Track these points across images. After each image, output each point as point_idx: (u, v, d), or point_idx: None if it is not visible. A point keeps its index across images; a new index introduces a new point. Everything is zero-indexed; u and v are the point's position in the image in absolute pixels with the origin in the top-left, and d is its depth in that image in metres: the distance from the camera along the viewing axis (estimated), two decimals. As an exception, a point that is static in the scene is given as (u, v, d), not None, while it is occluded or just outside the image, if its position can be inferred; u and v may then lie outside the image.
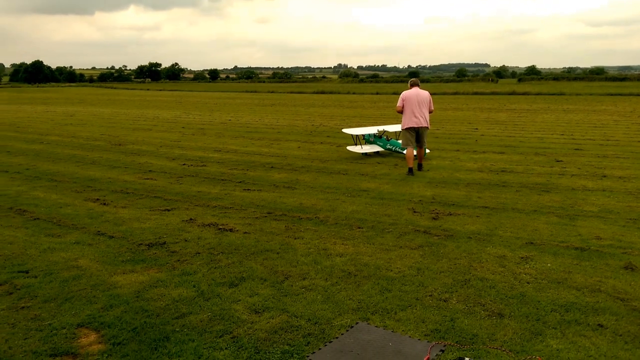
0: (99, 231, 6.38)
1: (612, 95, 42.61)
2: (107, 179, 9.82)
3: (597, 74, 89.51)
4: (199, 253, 5.54)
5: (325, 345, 3.59)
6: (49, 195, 8.51)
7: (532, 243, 5.87)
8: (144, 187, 9.09)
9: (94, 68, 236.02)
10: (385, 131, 13.10)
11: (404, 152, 10.72)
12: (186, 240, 5.98)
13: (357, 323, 3.92)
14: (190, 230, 6.42)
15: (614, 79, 76.56)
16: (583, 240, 5.95)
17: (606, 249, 5.63)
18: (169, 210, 7.43)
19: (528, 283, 4.71)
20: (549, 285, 4.65)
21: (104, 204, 7.86)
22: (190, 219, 6.89)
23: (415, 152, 10.36)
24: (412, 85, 10.16)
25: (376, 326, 3.87)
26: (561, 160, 11.53)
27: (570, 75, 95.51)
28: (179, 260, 5.31)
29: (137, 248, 5.73)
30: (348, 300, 4.35)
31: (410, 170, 10.05)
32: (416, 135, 10.13)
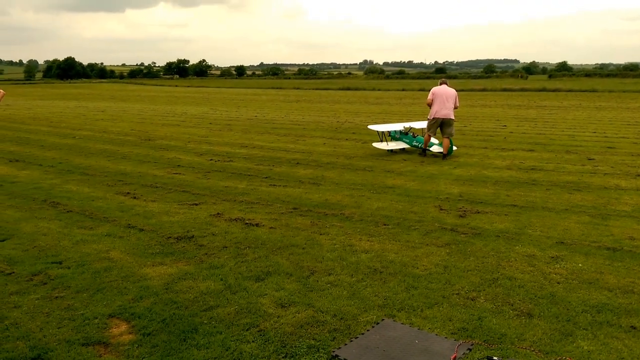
0: (129, 224, 6.52)
1: (647, 92, 41.28)
2: (137, 173, 10.01)
3: (630, 70, 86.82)
4: (226, 247, 5.61)
5: (351, 340, 3.60)
6: (81, 188, 8.73)
7: (562, 243, 5.75)
8: (173, 181, 9.24)
9: (124, 64, 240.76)
10: (411, 128, 13.00)
11: (430, 148, 11.92)
12: (213, 234, 6.06)
13: (383, 320, 3.92)
14: (218, 224, 6.50)
15: (650, 75, 74.09)
16: (616, 241, 5.80)
17: (639, 250, 5.48)
18: (196, 204, 7.54)
19: (558, 283, 4.62)
20: (580, 286, 4.56)
21: (134, 197, 8.03)
22: (218, 214, 6.98)
23: (437, 142, 12.07)
24: (441, 83, 11.92)
25: (402, 323, 3.86)
26: (593, 159, 11.25)
27: (603, 71, 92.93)
28: (206, 254, 5.39)
29: (166, 241, 5.84)
30: (374, 296, 4.35)
31: (424, 150, 11.93)
32: (441, 125, 11.62)
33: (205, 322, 3.89)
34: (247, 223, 6.50)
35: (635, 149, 12.69)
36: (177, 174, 9.97)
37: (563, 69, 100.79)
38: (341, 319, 3.95)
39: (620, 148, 12.83)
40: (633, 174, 9.59)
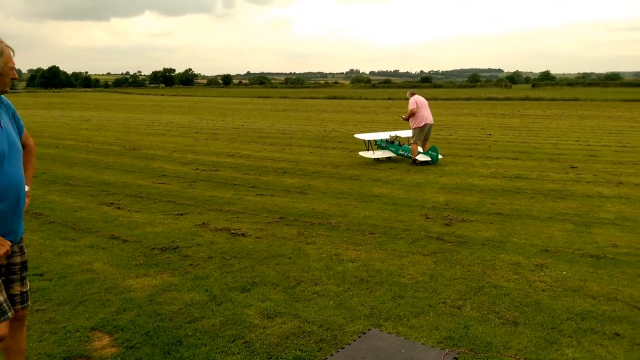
0: (112, 235, 6.44)
1: (627, 101, 42.05)
2: (122, 183, 9.91)
3: (612, 79, 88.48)
4: (212, 257, 5.56)
5: (338, 351, 3.57)
6: (64, 199, 8.61)
7: (547, 250, 5.80)
8: (158, 191, 9.16)
9: (109, 74, 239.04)
10: (397, 137, 13.07)
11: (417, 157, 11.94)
12: (199, 245, 6.01)
13: (369, 329, 3.89)
14: (203, 234, 6.45)
15: (630, 84, 75.52)
16: (599, 248, 5.86)
17: (623, 257, 5.54)
18: (182, 214, 7.47)
19: (543, 291, 4.65)
20: (565, 294, 4.59)
21: (118, 208, 7.93)
22: (203, 224, 6.92)
23: (420, 150, 12.22)
24: (413, 94, 12.36)
25: (389, 333, 3.84)
26: (576, 167, 11.40)
27: (585, 81, 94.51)
28: (191, 265, 5.33)
29: (151, 252, 5.77)
30: (360, 306, 4.33)
31: (415, 160, 11.90)
32: (427, 131, 12.11)
33: (189, 334, 3.84)
34: (233, 233, 6.46)
35: (617, 157, 12.90)
36: (162, 183, 9.88)
37: (546, 79, 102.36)
38: (327, 329, 3.92)
39: (602, 156, 13.03)
40: (615, 181, 9.73)
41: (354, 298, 4.49)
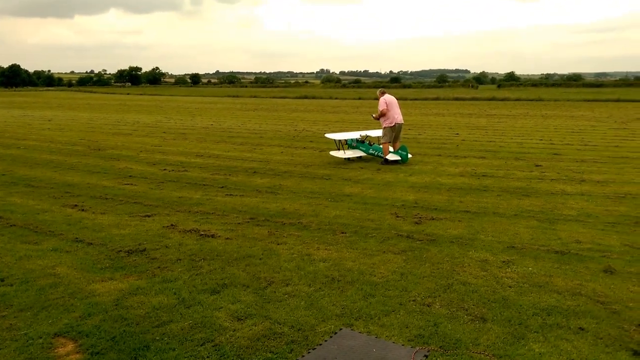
0: (77, 238, 6.25)
1: (588, 101, 43.47)
2: (86, 185, 9.64)
3: (574, 80, 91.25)
4: (180, 259, 5.46)
5: (309, 352, 3.55)
6: (25, 201, 8.32)
7: (513, 247, 5.92)
8: (124, 192, 8.95)
9: (72, 72, 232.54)
10: (367, 136, 13.15)
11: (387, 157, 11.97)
12: (167, 247, 5.89)
13: (340, 329, 3.89)
14: (171, 236, 6.33)
15: (591, 85, 78.13)
16: (563, 244, 6.02)
17: (586, 253, 5.71)
18: (149, 216, 7.31)
19: (510, 287, 4.74)
20: (531, 289, 4.69)
21: (83, 210, 7.71)
22: (171, 225, 6.79)
23: (391, 146, 12.27)
24: (383, 92, 12.44)
25: (360, 332, 3.85)
26: (540, 165, 11.69)
27: (548, 81, 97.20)
28: (159, 267, 5.22)
29: (117, 255, 5.62)
30: (332, 306, 4.33)
31: (387, 160, 11.94)
32: (397, 131, 12.17)
33: (157, 338, 3.75)
34: (202, 234, 6.36)
35: (579, 155, 13.29)
36: (128, 184, 9.66)
37: (511, 79, 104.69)
38: (299, 330, 3.90)
39: (565, 154, 13.40)
40: (578, 179, 10.02)
41: (325, 298, 4.48)
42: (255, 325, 3.95)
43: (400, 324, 3.99)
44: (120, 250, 5.75)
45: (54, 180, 10.08)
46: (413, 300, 4.44)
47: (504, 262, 5.43)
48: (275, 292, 4.61)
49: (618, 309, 4.26)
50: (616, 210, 7.64)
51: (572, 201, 8.23)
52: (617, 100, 42.45)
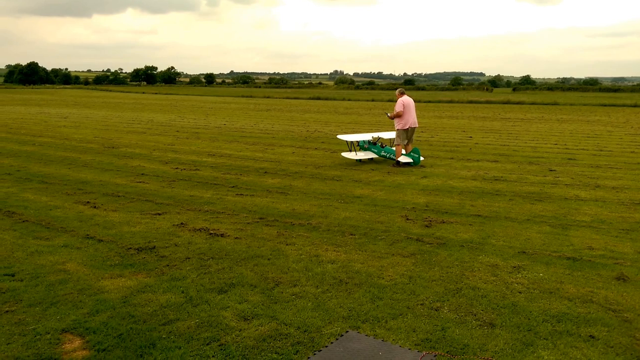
0: (88, 235, 6.30)
1: (605, 105, 42.91)
2: (99, 182, 9.73)
3: (590, 84, 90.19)
4: (189, 258, 5.48)
5: (314, 354, 3.54)
6: (39, 197, 8.42)
7: (524, 252, 5.85)
8: (136, 190, 9.01)
9: (89, 70, 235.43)
10: (380, 138, 13.10)
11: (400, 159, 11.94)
12: (176, 245, 5.91)
13: (347, 331, 3.87)
14: (181, 234, 6.35)
15: (608, 89, 77.11)
16: (575, 250, 5.93)
17: (598, 260, 5.61)
18: (160, 214, 7.36)
19: (520, 293, 4.68)
20: (541, 295, 4.62)
21: (95, 207, 7.78)
22: (181, 224, 6.82)
23: (404, 149, 12.30)
24: (402, 93, 12.30)
25: (366, 335, 3.82)
26: (554, 170, 11.55)
27: (564, 85, 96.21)
28: (168, 265, 5.24)
29: (126, 252, 5.66)
30: (338, 308, 4.30)
31: (398, 162, 11.94)
32: (410, 133, 12.17)
33: (164, 336, 3.76)
34: (211, 233, 6.38)
35: (594, 160, 13.11)
36: (140, 182, 9.73)
37: (526, 83, 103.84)
38: (305, 331, 3.88)
39: (580, 160, 13.23)
40: (592, 185, 9.88)
41: (333, 300, 4.46)
42: (261, 326, 3.94)
43: (407, 328, 3.96)
44: (130, 248, 5.79)
45: (68, 177, 10.19)
46: (421, 304, 4.40)
47: (514, 267, 5.36)
48: (282, 292, 4.60)
49: (630, 318, 4.18)
50: (631, 217, 7.51)
51: (586, 207, 8.12)
52: (635, 106, 41.85)
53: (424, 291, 4.69)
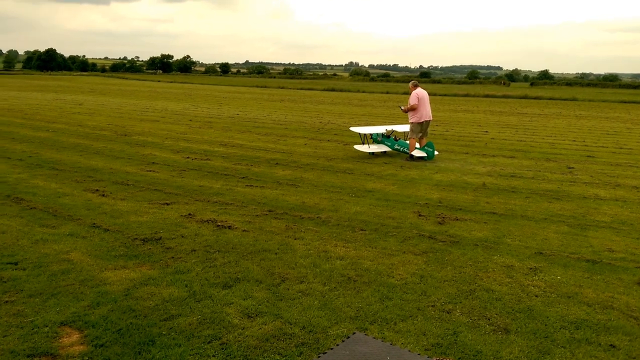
0: (94, 223, 6.22)
1: (625, 102, 41.96)
2: (109, 170, 9.67)
3: (610, 80, 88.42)
4: (195, 250, 5.36)
5: (319, 356, 3.39)
6: (48, 184, 8.37)
7: (541, 253, 5.63)
8: (146, 179, 8.93)
9: (106, 58, 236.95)
10: (394, 131, 12.87)
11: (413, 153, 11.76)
12: (183, 237, 5.80)
13: (354, 333, 3.71)
14: (188, 225, 6.24)
15: (628, 86, 75.41)
16: (595, 253, 5.70)
17: (619, 263, 5.38)
18: (168, 204, 7.25)
19: (536, 296, 4.48)
20: (559, 300, 4.42)
21: (103, 195, 7.71)
22: (189, 214, 6.71)
23: (418, 142, 11.98)
24: (416, 85, 12.08)
25: (374, 337, 3.66)
26: (573, 167, 11.24)
27: (583, 81, 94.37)
28: (173, 258, 5.12)
29: (132, 243, 5.56)
30: (346, 307, 4.15)
31: (412, 156, 11.74)
32: (425, 127, 11.95)
33: (164, 333, 3.64)
34: (219, 225, 6.25)
35: (614, 158, 12.75)
36: (150, 171, 9.65)
37: (545, 77, 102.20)
38: (310, 331, 3.73)
39: (599, 157, 12.87)
40: (612, 183, 9.58)
41: (340, 298, 4.31)
42: (265, 324, 3.80)
43: (417, 331, 3.79)
44: (136, 238, 5.68)
45: (79, 164, 10.15)
46: (432, 306, 4.22)
47: (530, 269, 5.15)
48: (288, 289, 4.46)
49: (654, 327, 3.96)
50: (653, 218, 7.23)
51: (606, 207, 7.84)
52: (656, 103, 40.88)
53: (436, 292, 4.51)
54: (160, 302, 4.12)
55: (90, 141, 13.42)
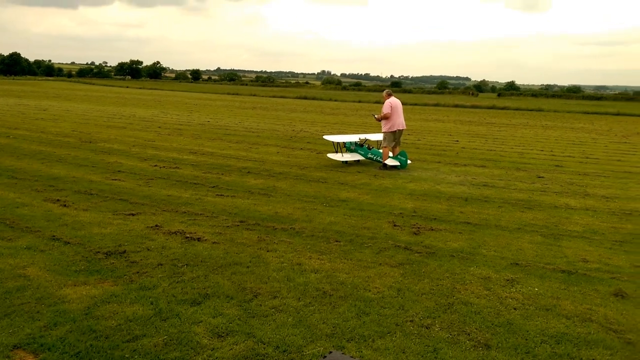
0: (54, 236, 5.87)
1: (588, 113, 43.26)
2: (72, 178, 9.25)
3: (573, 92, 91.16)
4: (162, 264, 5.09)
5: (294, 378, 3.19)
6: (6, 193, 7.93)
7: (517, 264, 5.58)
8: (110, 188, 8.56)
9: (73, 63, 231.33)
10: (367, 140, 12.80)
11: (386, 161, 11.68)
12: (149, 250, 5.52)
13: (330, 352, 3.52)
14: (155, 237, 5.95)
15: (591, 97, 78.00)
16: (569, 263, 5.68)
17: (594, 273, 5.37)
18: (133, 214, 6.94)
19: (515, 309, 4.40)
20: (537, 313, 4.35)
21: (65, 205, 7.33)
22: (156, 226, 6.41)
23: (391, 151, 11.92)
24: (390, 95, 11.98)
25: (352, 357, 3.48)
26: (542, 177, 11.37)
27: (548, 92, 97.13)
28: (138, 272, 4.84)
29: (94, 256, 5.25)
30: (322, 324, 3.96)
31: (385, 165, 11.67)
32: (398, 136, 11.92)
33: (127, 355, 3.38)
34: (187, 237, 5.99)
35: (581, 168, 12.98)
36: (116, 180, 9.27)
37: (511, 88, 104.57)
38: (284, 351, 3.54)
39: (567, 167, 13.09)
40: (581, 193, 9.70)
41: (315, 314, 4.12)
42: (236, 344, 3.58)
43: (396, 348, 3.64)
44: (99, 252, 5.38)
45: (40, 173, 9.69)
46: (411, 321, 4.08)
47: (507, 280, 5.08)
48: (261, 305, 4.25)
49: (633, 340, 3.91)
50: (623, 227, 7.31)
51: (577, 216, 7.91)
52: (617, 114, 42.30)
53: (414, 306, 4.37)
54: (124, 321, 3.85)
55: (53, 148, 12.90)
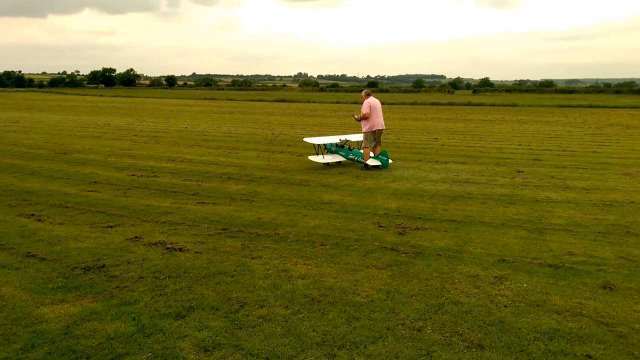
0: (29, 252, 5.64)
1: (562, 107, 44.07)
2: (46, 192, 8.96)
3: (546, 86, 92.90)
4: (143, 278, 4.92)
5: (286, 391, 3.08)
6: (-24, 210, 7.63)
7: (504, 260, 5.56)
8: (87, 200, 8.32)
9: (44, 73, 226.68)
10: (347, 141, 12.74)
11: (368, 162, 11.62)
12: (129, 263, 5.34)
13: (322, 361, 3.43)
14: (135, 250, 5.77)
15: (563, 91, 79.57)
16: (556, 257, 5.68)
17: (580, 266, 5.37)
18: (112, 227, 6.73)
19: (505, 307, 4.36)
20: (528, 309, 4.31)
21: (39, 220, 7.08)
22: (136, 237, 6.22)
23: (372, 151, 11.89)
24: (368, 95, 11.97)
25: (344, 365, 3.39)
26: (522, 171, 11.46)
27: (522, 87, 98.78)
28: (118, 287, 4.67)
29: (72, 272, 5.05)
30: (311, 332, 3.86)
31: (367, 165, 11.63)
32: (378, 135, 11.85)
33: (109, 376, 3.23)
34: (169, 248, 5.82)
35: (559, 161, 13.14)
36: (92, 191, 9.02)
37: (486, 85, 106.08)
38: (274, 362, 3.42)
39: (545, 160, 13.23)
40: (561, 186, 9.79)
41: (305, 322, 4.02)
42: (224, 358, 3.46)
43: (389, 354, 3.55)
44: (77, 267, 5.18)
45: (12, 187, 9.37)
46: (402, 324, 4.01)
47: (496, 277, 5.05)
48: (248, 315, 4.12)
49: (624, 332, 3.90)
50: (605, 219, 7.37)
51: (559, 209, 7.95)
52: (590, 107, 43.19)
53: (404, 308, 4.30)
54: (105, 339, 3.69)
55: (26, 161, 12.53)
